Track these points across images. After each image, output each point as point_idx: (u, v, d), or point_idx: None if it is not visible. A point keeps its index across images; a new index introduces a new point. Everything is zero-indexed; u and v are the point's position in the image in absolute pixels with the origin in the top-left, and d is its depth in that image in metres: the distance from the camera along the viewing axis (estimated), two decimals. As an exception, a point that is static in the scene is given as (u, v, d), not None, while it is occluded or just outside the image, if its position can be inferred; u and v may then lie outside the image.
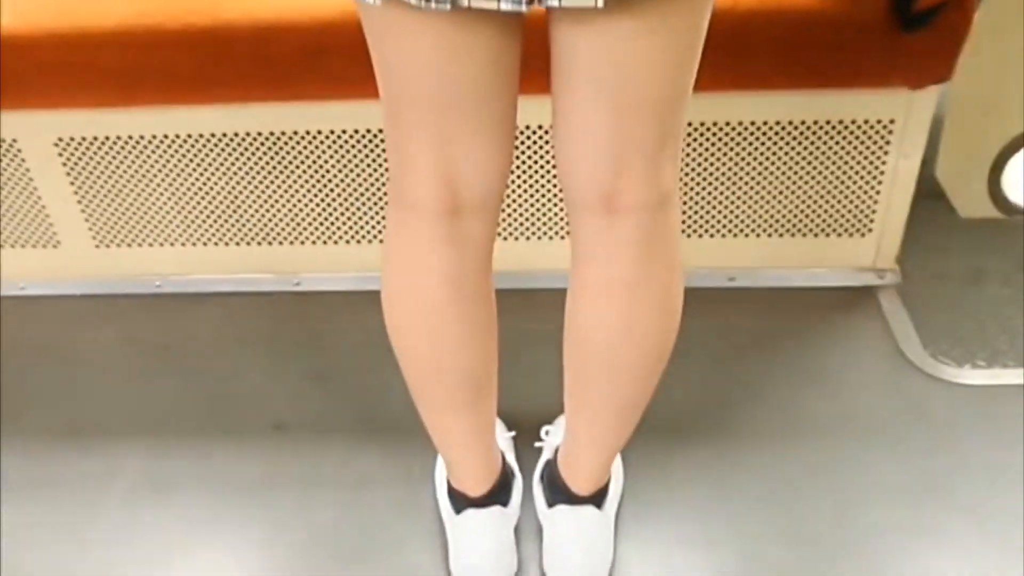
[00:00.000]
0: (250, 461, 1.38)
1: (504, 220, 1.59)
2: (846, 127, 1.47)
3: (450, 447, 1.17)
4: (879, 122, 1.46)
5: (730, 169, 1.53)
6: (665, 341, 1.04)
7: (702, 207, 1.57)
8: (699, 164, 1.52)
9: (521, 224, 1.60)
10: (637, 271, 0.97)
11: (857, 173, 1.52)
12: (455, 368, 1.05)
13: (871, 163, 1.51)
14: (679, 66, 0.88)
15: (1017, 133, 1.65)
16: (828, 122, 1.47)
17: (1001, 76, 1.59)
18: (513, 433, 1.33)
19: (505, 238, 1.60)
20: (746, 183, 1.54)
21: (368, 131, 1.50)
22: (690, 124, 1.48)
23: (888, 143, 1.48)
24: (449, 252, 0.98)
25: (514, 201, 1.57)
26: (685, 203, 1.56)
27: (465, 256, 0.99)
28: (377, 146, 1.51)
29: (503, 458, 1.23)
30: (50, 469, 1.39)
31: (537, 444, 1.32)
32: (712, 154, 1.51)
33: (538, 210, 1.59)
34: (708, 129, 1.48)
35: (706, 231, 1.60)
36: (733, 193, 1.56)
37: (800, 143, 1.49)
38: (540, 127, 1.48)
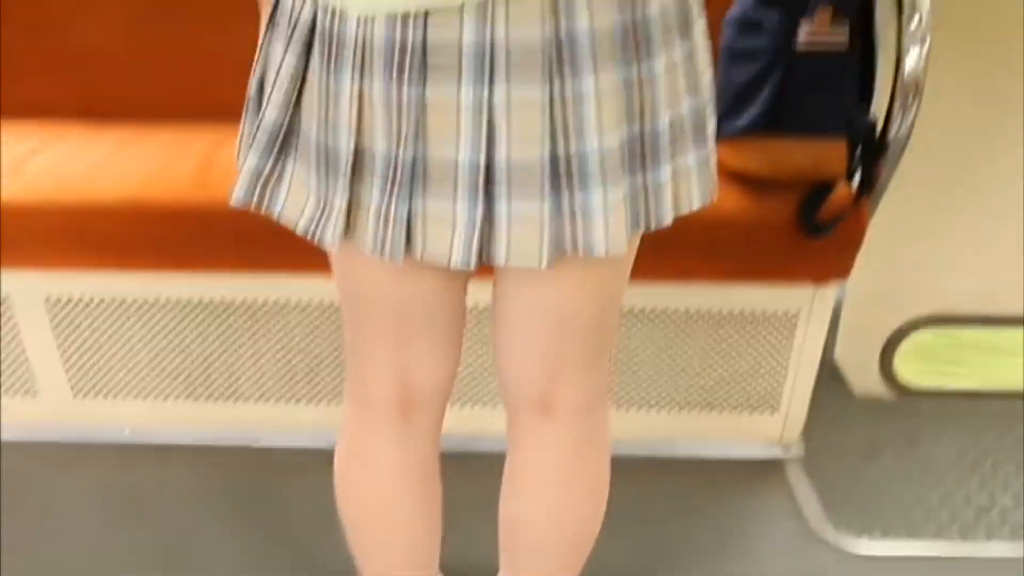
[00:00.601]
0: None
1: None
2: (757, 316, 1.63)
3: None
4: (786, 312, 1.62)
5: (653, 350, 1.67)
6: (593, 526, 1.13)
7: (628, 382, 1.70)
8: (626, 345, 1.66)
9: (465, 392, 1.72)
10: (568, 467, 1.07)
11: (766, 356, 1.67)
12: (401, 546, 1.14)
13: (778, 347, 1.66)
14: (610, 296, 1.00)
15: (903, 322, 1.84)
16: (742, 312, 1.62)
17: (889, 274, 1.78)
18: (453, 589, 1.42)
19: (451, 405, 1.72)
20: (667, 362, 1.68)
21: (330, 304, 1.62)
22: (620, 309, 1.64)
23: (794, 330, 1.64)
24: (401, 446, 1.07)
25: (459, 371, 1.70)
26: (613, 379, 1.70)
27: (415, 448, 1.08)
28: (336, 317, 1.64)
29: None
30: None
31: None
32: (638, 336, 1.65)
33: (480, 380, 1.70)
34: (635, 315, 1.63)
35: (632, 404, 1.73)
36: (656, 371, 1.69)
37: (716, 329, 1.64)
38: (480, 304, 1.62)
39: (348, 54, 0.82)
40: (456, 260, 0.86)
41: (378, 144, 0.83)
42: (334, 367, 1.70)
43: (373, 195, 0.85)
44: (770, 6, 1.36)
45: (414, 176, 0.84)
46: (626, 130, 0.84)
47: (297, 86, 0.87)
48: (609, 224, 0.85)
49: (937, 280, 1.79)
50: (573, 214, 0.85)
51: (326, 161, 0.86)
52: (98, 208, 1.51)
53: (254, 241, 1.52)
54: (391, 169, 0.84)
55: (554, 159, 0.83)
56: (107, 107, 1.72)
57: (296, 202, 0.90)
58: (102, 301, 1.64)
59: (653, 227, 0.91)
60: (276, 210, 0.91)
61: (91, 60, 1.72)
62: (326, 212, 0.87)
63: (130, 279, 1.62)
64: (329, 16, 0.82)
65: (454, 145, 0.82)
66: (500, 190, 0.84)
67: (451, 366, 1.07)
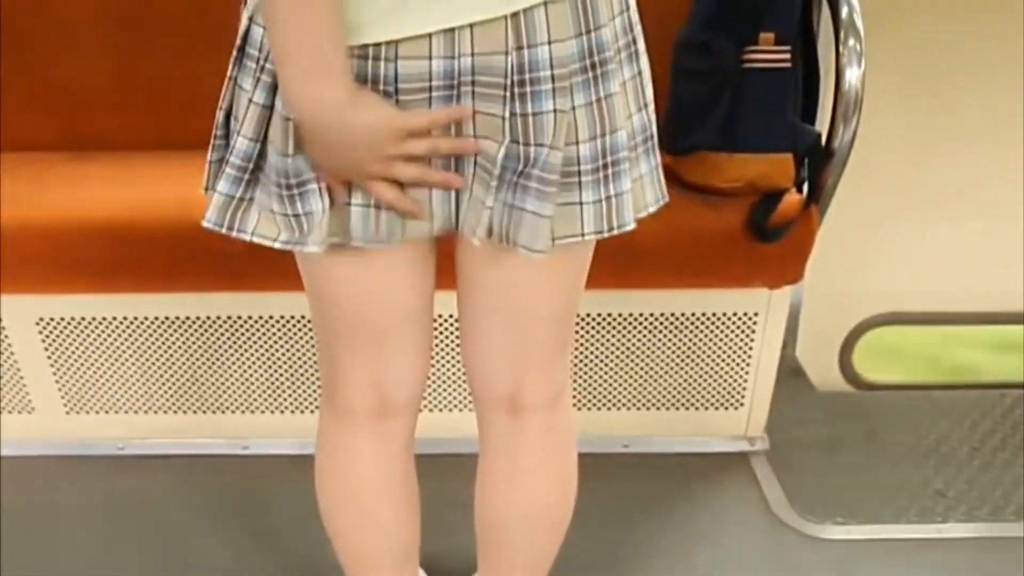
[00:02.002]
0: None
1: (425, 394, 1.76)
2: (718, 318, 1.70)
3: None
4: (745, 314, 1.69)
5: (622, 352, 1.74)
6: (564, 515, 1.18)
7: (599, 384, 1.77)
8: (597, 349, 1.74)
9: (439, 398, 1.78)
10: (537, 459, 1.13)
11: (729, 356, 1.74)
12: (382, 547, 1.20)
13: (740, 348, 1.73)
14: (569, 290, 1.06)
15: (859, 322, 1.93)
16: (703, 314, 1.70)
17: (843, 277, 1.87)
18: (433, 587, 1.48)
19: (431, 410, 1.79)
20: (636, 364, 1.76)
21: (310, 317, 1.69)
22: (587, 315, 1.70)
23: (753, 331, 1.71)
24: (377, 449, 1.13)
25: (433, 379, 1.76)
26: (585, 380, 1.77)
27: (390, 451, 1.14)
28: (320, 329, 1.71)
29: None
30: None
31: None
32: (608, 340, 1.72)
33: (452, 386, 1.77)
34: (604, 320, 1.70)
35: (603, 404, 1.80)
36: (625, 373, 1.76)
37: (680, 331, 1.72)
38: (452, 316, 1.66)
39: None
40: (437, 221, 0.94)
41: None
42: (316, 376, 1.76)
43: (355, 194, 0.92)
44: (718, 30, 1.44)
45: None
46: (588, 146, 0.92)
47: (267, 119, 0.92)
48: (539, 229, 0.91)
49: (888, 281, 1.88)
50: (511, 209, 0.91)
51: (297, 184, 0.91)
52: (86, 234, 1.57)
53: (235, 261, 1.55)
54: None
55: (511, 158, 0.89)
56: (91, 141, 1.78)
57: (269, 223, 0.95)
58: (92, 321, 1.70)
59: (616, 232, 0.97)
60: (248, 231, 0.96)
61: (75, 95, 1.78)
62: (302, 227, 0.93)
63: (118, 300, 1.67)
64: None
65: None
66: (465, 181, 0.92)
67: (422, 368, 1.13)
